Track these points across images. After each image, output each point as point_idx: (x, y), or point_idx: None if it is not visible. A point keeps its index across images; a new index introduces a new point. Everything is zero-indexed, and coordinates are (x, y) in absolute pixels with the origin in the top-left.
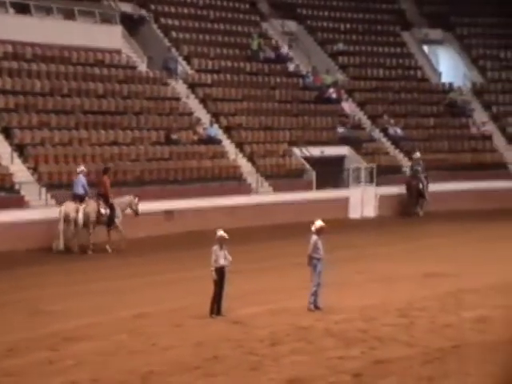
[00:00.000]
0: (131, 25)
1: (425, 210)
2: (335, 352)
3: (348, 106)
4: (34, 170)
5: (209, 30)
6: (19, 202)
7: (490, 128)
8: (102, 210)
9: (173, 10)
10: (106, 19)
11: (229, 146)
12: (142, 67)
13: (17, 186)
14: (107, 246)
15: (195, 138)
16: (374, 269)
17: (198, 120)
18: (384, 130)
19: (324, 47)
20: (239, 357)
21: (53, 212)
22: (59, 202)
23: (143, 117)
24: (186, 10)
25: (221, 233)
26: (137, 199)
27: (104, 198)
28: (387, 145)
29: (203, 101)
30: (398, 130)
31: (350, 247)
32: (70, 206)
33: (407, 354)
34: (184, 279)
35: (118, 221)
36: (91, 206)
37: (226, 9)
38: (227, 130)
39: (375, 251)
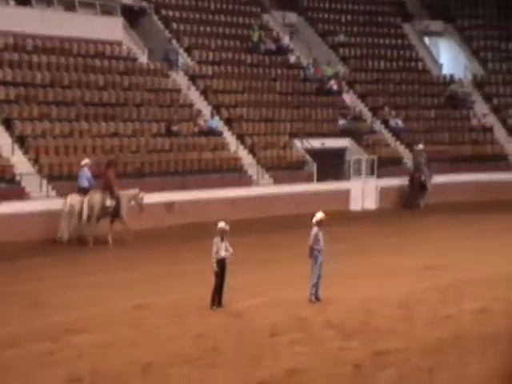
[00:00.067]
0: (132, 16)
1: (425, 201)
2: (335, 343)
3: (349, 98)
4: (35, 161)
5: (209, 21)
6: (20, 194)
7: (491, 120)
8: (108, 203)
9: (173, 1)
10: (107, 11)
11: (229, 137)
12: (143, 59)
13: (17, 178)
14: (109, 237)
15: (196, 129)
16: (375, 261)
17: (199, 112)
18: (385, 122)
19: (325, 39)
20: (239, 348)
21: (54, 203)
22: (60, 194)
23: (144, 108)
24: (186, 2)
25: (222, 224)
26: (142, 194)
27: (109, 190)
28: (388, 137)
29: (204, 92)
30: (399, 122)
31: (351, 239)
32: (75, 199)
33: (407, 346)
34: (184, 271)
35: (123, 212)
36: (95, 198)
37: (227, 0)
38: (228, 121)
39: (376, 243)
